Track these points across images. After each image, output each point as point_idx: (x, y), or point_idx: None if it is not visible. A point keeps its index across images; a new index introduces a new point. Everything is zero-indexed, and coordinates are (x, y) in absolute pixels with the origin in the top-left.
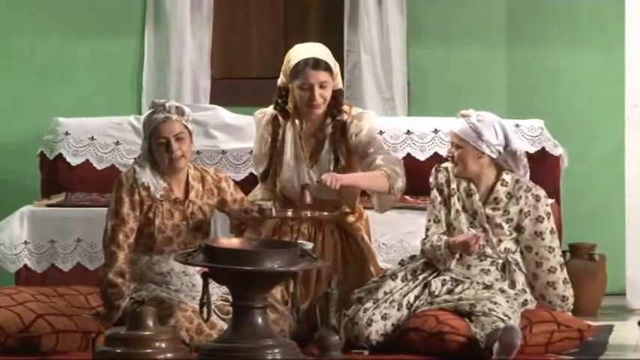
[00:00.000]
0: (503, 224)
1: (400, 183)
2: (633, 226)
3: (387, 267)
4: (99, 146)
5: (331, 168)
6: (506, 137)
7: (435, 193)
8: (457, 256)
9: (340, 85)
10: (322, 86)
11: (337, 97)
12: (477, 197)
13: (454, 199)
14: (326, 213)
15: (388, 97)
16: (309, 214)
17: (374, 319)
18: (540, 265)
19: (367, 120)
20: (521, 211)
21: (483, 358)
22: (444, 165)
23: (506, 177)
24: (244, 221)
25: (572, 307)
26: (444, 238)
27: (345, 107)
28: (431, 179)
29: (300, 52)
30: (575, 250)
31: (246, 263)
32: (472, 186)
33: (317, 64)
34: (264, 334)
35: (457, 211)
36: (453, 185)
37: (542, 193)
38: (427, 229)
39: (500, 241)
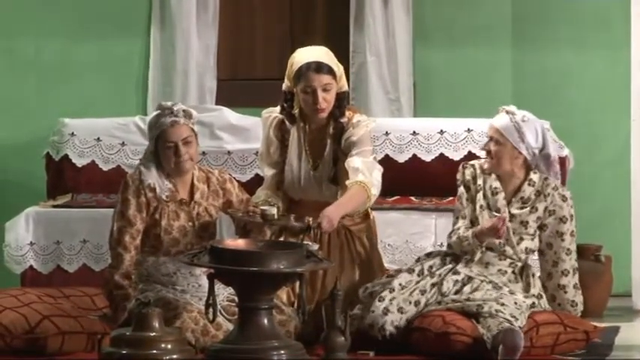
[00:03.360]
0: (531, 222)
1: (374, 191)
2: (639, 227)
3: (392, 268)
4: (105, 147)
5: (330, 167)
6: (544, 140)
7: (461, 189)
8: (483, 248)
9: (345, 88)
10: (325, 89)
11: (341, 99)
12: (501, 196)
13: (479, 195)
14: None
15: (394, 98)
16: (311, 220)
17: (390, 310)
18: (556, 265)
19: (362, 127)
20: (546, 208)
21: (489, 359)
22: (472, 162)
23: (534, 176)
24: (247, 224)
25: (580, 313)
26: (471, 229)
27: (349, 113)
28: (458, 176)
29: (303, 55)
30: (581, 251)
31: (251, 264)
32: (498, 184)
33: (319, 67)
34: (270, 335)
35: (481, 206)
36: (479, 182)
37: (568, 194)
38: (454, 224)
39: (521, 239)
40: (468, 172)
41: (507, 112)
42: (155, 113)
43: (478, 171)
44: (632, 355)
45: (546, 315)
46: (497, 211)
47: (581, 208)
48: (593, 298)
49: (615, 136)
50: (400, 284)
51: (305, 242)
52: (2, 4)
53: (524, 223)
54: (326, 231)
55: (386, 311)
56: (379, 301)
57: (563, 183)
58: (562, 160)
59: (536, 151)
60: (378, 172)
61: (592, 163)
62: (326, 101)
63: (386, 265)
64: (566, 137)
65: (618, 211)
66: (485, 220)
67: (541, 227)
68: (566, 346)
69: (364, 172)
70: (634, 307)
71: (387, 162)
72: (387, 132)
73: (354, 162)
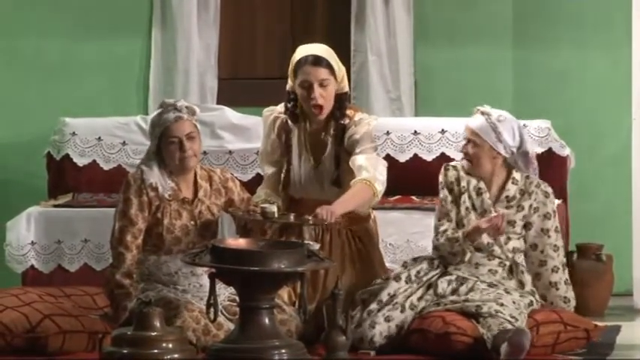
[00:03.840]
0: (518, 221)
1: (379, 186)
2: None
3: (393, 267)
4: (106, 146)
5: (332, 170)
6: (521, 138)
7: (445, 192)
8: (472, 248)
9: (346, 89)
10: (322, 84)
11: (341, 100)
12: (487, 196)
13: (464, 197)
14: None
15: (395, 97)
16: (311, 220)
17: (377, 322)
18: (544, 264)
19: (364, 125)
20: (531, 206)
21: (490, 359)
22: (453, 163)
23: (517, 175)
24: (247, 223)
25: (573, 309)
26: (460, 230)
27: (350, 111)
28: (440, 178)
29: (303, 50)
30: (583, 250)
31: (253, 264)
32: (482, 184)
33: (316, 60)
34: (271, 334)
35: (467, 208)
36: (463, 183)
37: (550, 190)
38: (437, 228)
39: (508, 239)
40: (451, 174)
41: (482, 113)
42: (157, 111)
43: (461, 172)
44: (633, 354)
45: (546, 314)
46: (484, 212)
47: (582, 207)
48: (594, 297)
49: (616, 135)
50: (389, 294)
51: (306, 242)
52: (4, 4)
53: (512, 223)
54: (323, 219)
55: (373, 324)
56: (367, 315)
57: (564, 183)
58: (563, 159)
59: (515, 149)
60: (382, 167)
61: (593, 162)
62: (323, 97)
63: (387, 264)
64: (567, 136)
65: (619, 210)
66: (474, 221)
67: (526, 226)
68: (567, 345)
69: (368, 168)
70: (635, 306)
71: (388, 161)
72: (388, 131)
73: (357, 160)
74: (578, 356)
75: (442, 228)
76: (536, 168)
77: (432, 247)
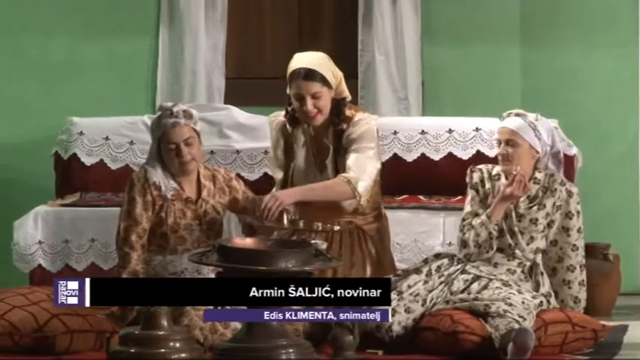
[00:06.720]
0: (540, 219)
1: (362, 184)
2: None
3: (401, 267)
4: (113, 146)
5: (333, 170)
6: (553, 138)
7: (472, 192)
8: (497, 233)
9: (344, 94)
10: (315, 97)
11: (339, 106)
12: None
13: (489, 199)
14: (337, 227)
15: (402, 96)
16: (320, 226)
17: (397, 310)
18: (561, 261)
19: (363, 125)
20: (554, 204)
21: (497, 359)
22: (479, 166)
23: (538, 175)
24: (257, 228)
25: (582, 310)
26: (482, 217)
27: (351, 112)
28: (467, 179)
29: (297, 61)
30: (590, 250)
31: (260, 263)
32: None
33: (308, 75)
34: (278, 333)
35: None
36: (488, 185)
37: (575, 190)
38: (462, 224)
39: (532, 238)
40: (476, 176)
41: (518, 115)
42: (157, 115)
43: (486, 175)
44: None
45: (554, 314)
46: (505, 216)
47: (589, 206)
48: (601, 296)
49: (624, 134)
50: (409, 285)
51: (314, 241)
52: (10, 3)
53: (534, 221)
54: (265, 205)
55: (393, 312)
56: None
57: (571, 182)
58: (570, 159)
59: (548, 149)
60: (372, 167)
61: (600, 161)
62: (316, 107)
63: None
64: (574, 136)
65: (626, 210)
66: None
67: (549, 225)
68: (575, 345)
69: (354, 168)
70: None
71: (395, 161)
72: (395, 131)
73: (348, 159)
74: (585, 356)
75: (467, 221)
76: (562, 170)
77: (458, 246)
